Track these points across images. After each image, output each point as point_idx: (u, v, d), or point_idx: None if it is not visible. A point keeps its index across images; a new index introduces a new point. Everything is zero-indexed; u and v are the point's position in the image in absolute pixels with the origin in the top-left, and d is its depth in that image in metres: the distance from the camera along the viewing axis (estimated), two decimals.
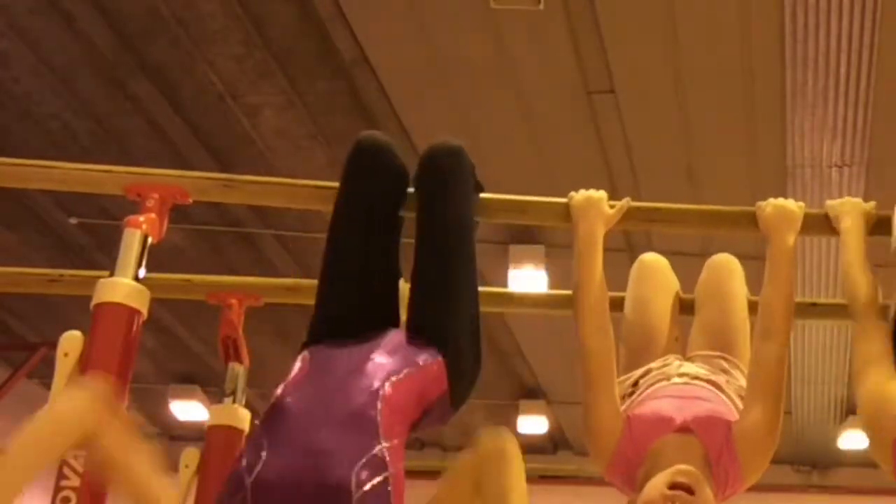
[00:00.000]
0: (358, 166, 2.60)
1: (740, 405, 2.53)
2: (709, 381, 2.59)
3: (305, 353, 2.40)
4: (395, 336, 2.43)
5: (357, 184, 2.60)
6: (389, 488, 2.08)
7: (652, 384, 2.62)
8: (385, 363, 2.30)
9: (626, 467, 2.42)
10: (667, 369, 2.67)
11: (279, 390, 2.27)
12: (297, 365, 2.37)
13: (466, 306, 2.50)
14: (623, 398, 2.61)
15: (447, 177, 2.59)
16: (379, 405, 2.19)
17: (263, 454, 2.12)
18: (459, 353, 2.43)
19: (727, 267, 2.94)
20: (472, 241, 2.58)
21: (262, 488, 2.07)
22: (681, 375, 2.62)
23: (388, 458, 2.12)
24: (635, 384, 2.67)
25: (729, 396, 2.57)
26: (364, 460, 2.09)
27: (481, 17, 5.04)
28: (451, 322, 2.46)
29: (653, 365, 2.70)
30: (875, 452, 2.27)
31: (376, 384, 2.23)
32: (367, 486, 2.06)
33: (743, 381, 2.63)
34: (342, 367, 2.29)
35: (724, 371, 2.68)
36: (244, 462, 2.12)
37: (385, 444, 2.14)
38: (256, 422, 2.42)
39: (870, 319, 2.40)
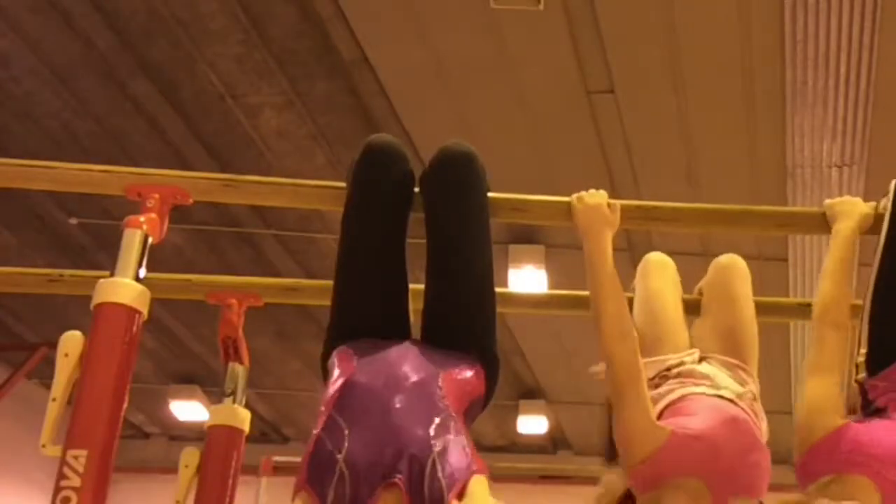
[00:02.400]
0: (370, 170, 2.60)
1: (760, 424, 2.54)
2: (750, 409, 2.56)
3: (345, 347, 2.44)
4: (424, 345, 2.48)
5: (371, 187, 2.59)
6: (465, 444, 2.21)
7: (687, 394, 2.54)
8: (435, 357, 2.41)
9: (644, 478, 2.36)
10: (696, 368, 2.63)
11: (339, 380, 2.34)
12: (338, 359, 2.42)
13: (492, 314, 2.56)
14: (650, 381, 2.55)
15: (466, 182, 2.59)
16: (440, 382, 2.33)
17: (346, 432, 2.23)
18: (494, 362, 2.51)
19: (735, 267, 2.91)
20: (491, 248, 2.59)
21: (355, 464, 2.19)
22: (721, 388, 2.56)
23: (457, 424, 2.25)
24: (666, 371, 2.64)
25: (756, 425, 2.55)
26: (438, 420, 2.24)
27: (481, 17, 5.04)
28: (485, 333, 2.53)
29: (685, 358, 2.67)
30: (795, 455, 2.33)
31: (434, 368, 2.36)
32: (444, 442, 2.20)
33: (756, 389, 2.64)
34: (396, 355, 2.39)
35: (743, 382, 2.65)
36: (327, 443, 2.23)
37: (452, 413, 2.27)
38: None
39: (826, 328, 2.44)
